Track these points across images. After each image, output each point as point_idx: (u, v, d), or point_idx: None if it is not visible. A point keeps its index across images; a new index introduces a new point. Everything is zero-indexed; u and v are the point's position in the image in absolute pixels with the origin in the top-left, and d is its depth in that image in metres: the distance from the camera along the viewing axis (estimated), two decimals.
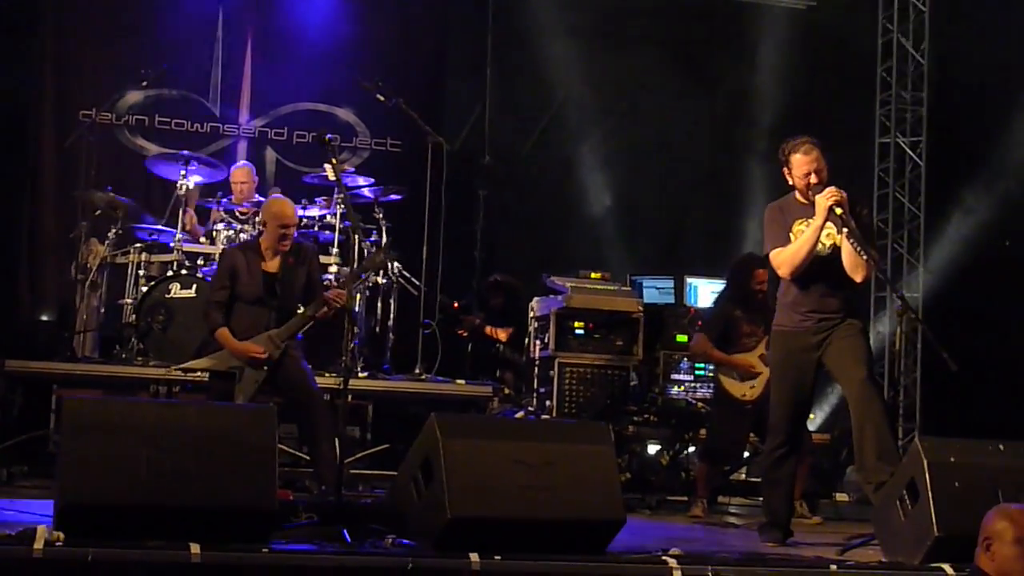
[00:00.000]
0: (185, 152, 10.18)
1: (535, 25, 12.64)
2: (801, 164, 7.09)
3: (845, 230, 6.93)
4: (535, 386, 9.87)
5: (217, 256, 8.24)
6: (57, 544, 5.32)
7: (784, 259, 7.10)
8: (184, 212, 9.99)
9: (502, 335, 10.87)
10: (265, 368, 7.82)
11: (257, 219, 8.98)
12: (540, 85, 12.83)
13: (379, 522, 6.27)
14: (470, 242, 11.79)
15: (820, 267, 7.07)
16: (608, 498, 6.21)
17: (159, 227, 10.02)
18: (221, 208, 10.06)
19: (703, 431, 9.62)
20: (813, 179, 7.05)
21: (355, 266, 8.79)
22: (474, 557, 5.65)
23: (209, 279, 8.94)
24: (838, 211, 6.90)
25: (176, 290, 9.47)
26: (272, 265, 8.01)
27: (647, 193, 12.86)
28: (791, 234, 7.12)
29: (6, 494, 7.94)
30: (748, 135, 12.99)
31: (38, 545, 5.28)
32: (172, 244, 9.78)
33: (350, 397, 9.02)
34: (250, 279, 7.94)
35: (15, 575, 5.28)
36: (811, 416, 9.95)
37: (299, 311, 7.97)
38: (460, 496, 5.82)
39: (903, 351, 12.04)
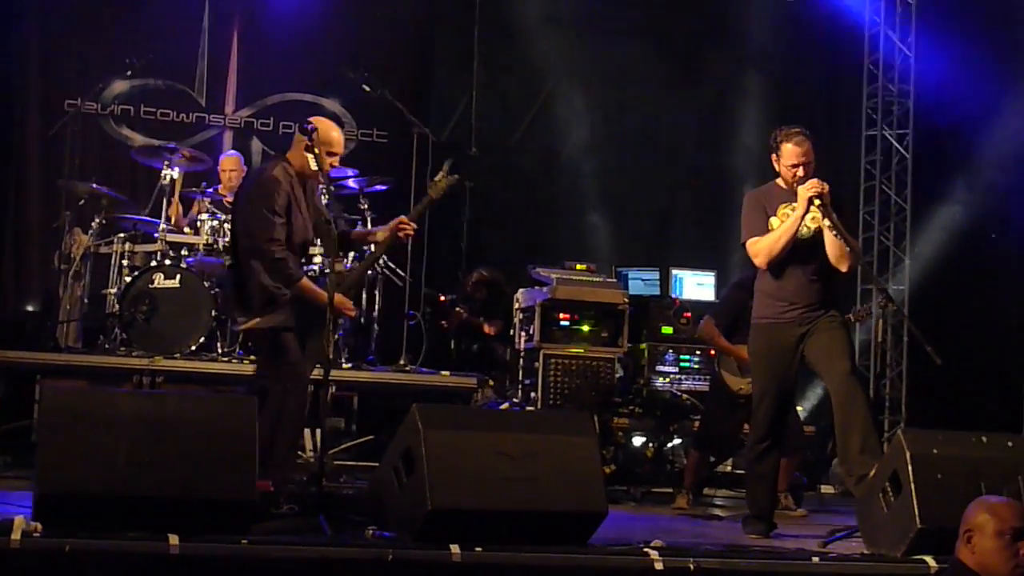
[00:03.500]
0: (171, 144, 10.14)
1: (523, 16, 12.60)
2: (791, 155, 7.08)
3: (826, 222, 6.92)
4: (520, 378, 9.85)
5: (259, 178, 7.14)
6: (35, 535, 5.30)
7: (761, 248, 7.09)
8: (169, 202, 9.95)
9: (488, 329, 10.86)
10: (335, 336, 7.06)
11: None
12: (527, 76, 12.81)
13: (360, 513, 6.26)
14: (456, 234, 11.76)
15: (803, 253, 7.06)
16: (591, 490, 6.20)
17: (143, 217, 9.98)
18: (206, 198, 10.02)
19: (688, 423, 9.61)
20: (800, 172, 7.04)
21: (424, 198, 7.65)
22: (455, 549, 5.65)
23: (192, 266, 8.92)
24: (816, 203, 6.89)
25: (160, 280, 9.43)
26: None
27: (633, 185, 12.84)
28: (776, 217, 7.11)
29: None
30: (735, 127, 12.96)
31: (15, 536, 5.26)
32: (156, 234, 9.74)
33: (334, 388, 9.04)
34: (302, 217, 7.03)
35: None
36: (799, 408, 9.94)
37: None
38: (441, 487, 5.81)
39: (889, 344, 12.04)
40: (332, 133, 7.19)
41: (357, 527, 6.07)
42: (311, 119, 7.15)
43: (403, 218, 7.29)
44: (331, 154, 7.13)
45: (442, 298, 11.13)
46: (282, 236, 6.86)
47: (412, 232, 7.32)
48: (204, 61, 12.04)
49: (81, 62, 11.73)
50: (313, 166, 6.93)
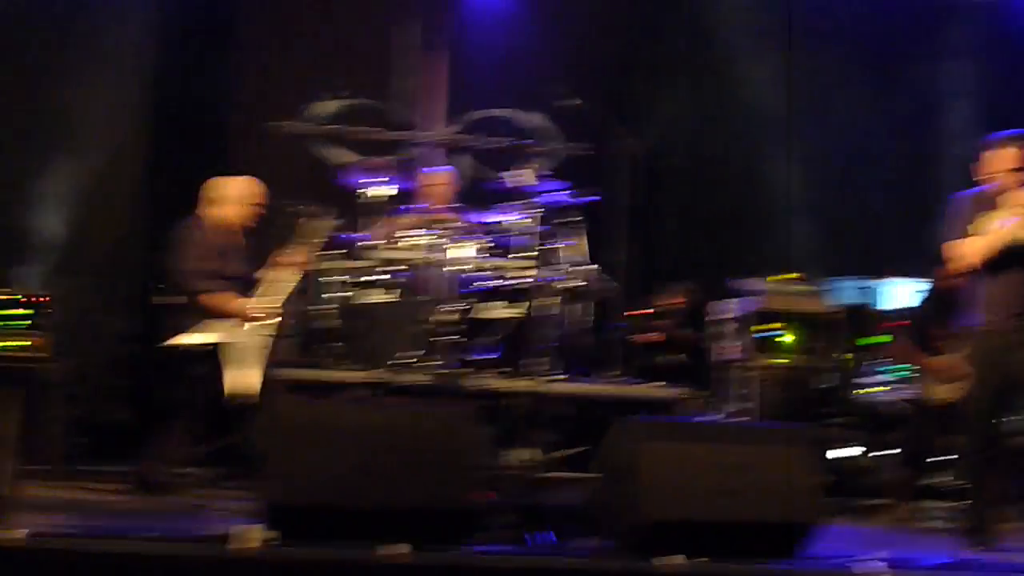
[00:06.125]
0: (378, 160, 10.32)
1: (724, 25, 12.56)
2: (1005, 159, 6.95)
3: None
4: (728, 389, 9.82)
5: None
6: (270, 543, 5.51)
7: (971, 253, 6.96)
8: (378, 219, 10.14)
9: (696, 341, 10.85)
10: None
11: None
12: (730, 86, 12.74)
13: (578, 524, 6.34)
14: (660, 245, 11.76)
15: (1021, 259, 6.92)
16: (806, 501, 6.18)
17: (356, 234, 10.20)
18: (415, 214, 10.19)
19: (902, 434, 9.46)
20: (1013, 178, 6.91)
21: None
22: (673, 559, 5.68)
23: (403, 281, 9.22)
24: None
25: (375, 295, 9.64)
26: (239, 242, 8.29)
27: (840, 193, 12.66)
28: (986, 222, 6.97)
29: (213, 495, 8.22)
30: (942, 131, 12.71)
31: (252, 544, 5.47)
32: (370, 250, 9.94)
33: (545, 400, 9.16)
34: (236, 258, 8.13)
35: (230, 573, 5.48)
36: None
37: None
38: (658, 499, 5.86)
39: None
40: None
41: (575, 537, 6.15)
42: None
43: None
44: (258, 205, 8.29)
45: (650, 310, 11.14)
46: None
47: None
48: (411, 79, 12.24)
49: (290, 83, 12.03)
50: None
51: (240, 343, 7.83)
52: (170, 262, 7.97)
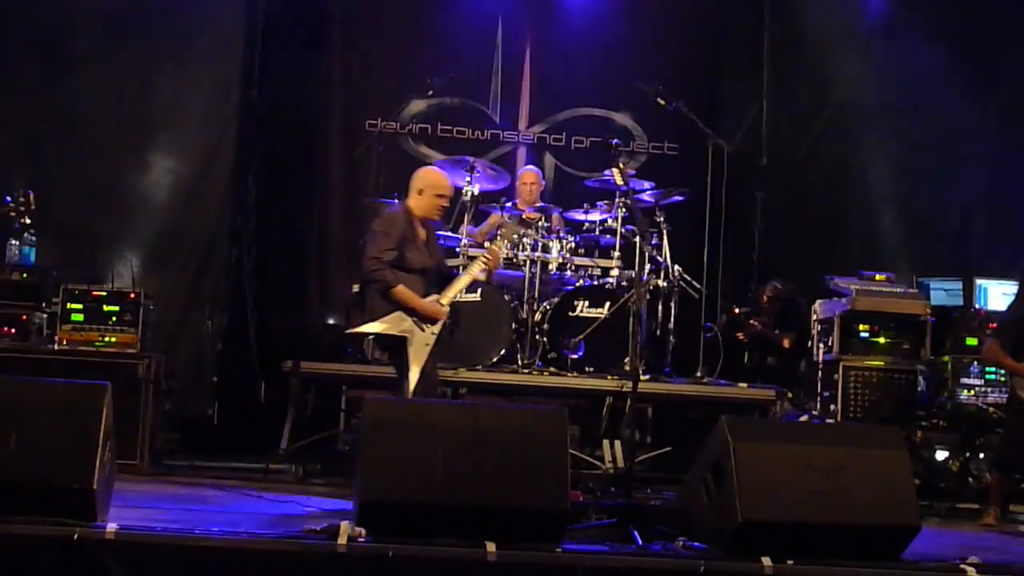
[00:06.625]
0: (468, 158, 10.36)
1: (812, 23, 12.44)
2: None
3: None
4: (819, 390, 9.74)
5: (383, 218, 8.00)
6: (360, 540, 5.53)
7: None
8: (469, 217, 10.15)
9: (785, 341, 10.77)
10: (434, 333, 7.70)
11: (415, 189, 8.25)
12: (818, 84, 12.60)
13: (668, 524, 6.30)
14: (748, 244, 11.68)
15: None
16: (902, 504, 6.12)
17: (444, 233, 10.21)
18: (505, 213, 10.19)
19: (994, 437, 9.32)
20: None
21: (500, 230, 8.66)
22: (766, 561, 5.67)
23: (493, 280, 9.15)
24: None
25: (463, 294, 9.63)
26: (423, 234, 7.96)
27: (931, 192, 12.47)
28: None
29: (302, 491, 8.28)
30: None
31: (342, 540, 5.50)
32: (458, 249, 9.96)
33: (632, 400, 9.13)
34: (416, 247, 7.84)
35: (320, 568, 5.52)
36: None
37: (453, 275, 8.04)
38: (751, 499, 5.82)
39: None
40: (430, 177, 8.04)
41: (666, 538, 6.12)
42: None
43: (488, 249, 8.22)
44: (440, 195, 7.96)
45: (737, 310, 11.08)
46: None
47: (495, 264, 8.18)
48: (498, 78, 12.26)
49: (381, 83, 12.10)
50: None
51: (419, 337, 7.69)
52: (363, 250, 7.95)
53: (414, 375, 7.53)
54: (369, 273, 7.68)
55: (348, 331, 8.47)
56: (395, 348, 7.69)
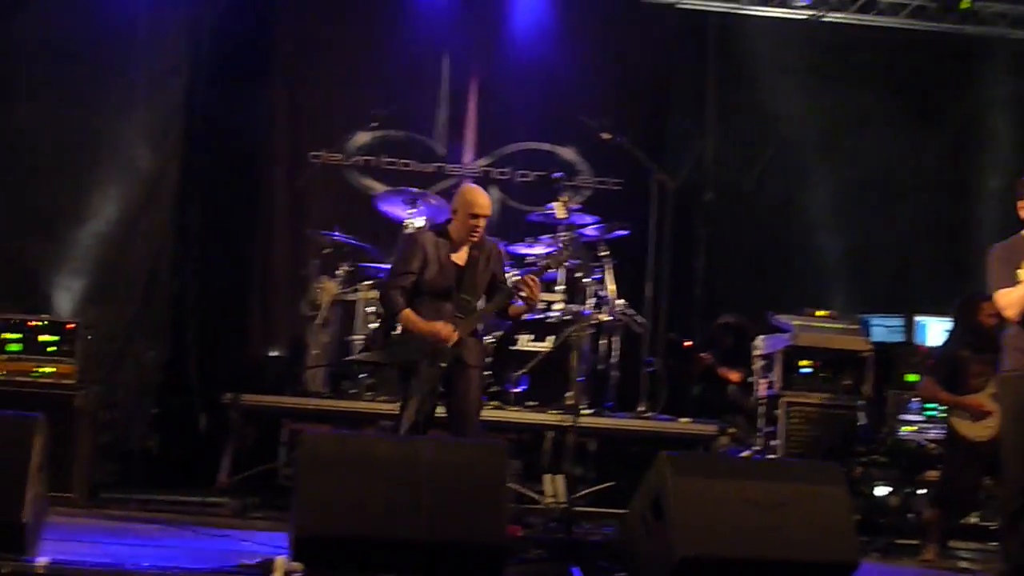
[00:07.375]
0: (412, 190, 10.33)
1: (756, 62, 12.52)
2: None
3: None
4: (760, 425, 9.76)
5: (402, 236, 7.93)
6: (295, 575, 5.47)
7: (1014, 299, 6.89)
8: None
9: (734, 376, 10.80)
10: (443, 365, 7.26)
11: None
12: (762, 122, 12.68)
13: (609, 559, 6.28)
14: (692, 279, 11.72)
15: None
16: (842, 540, 6.14)
17: (387, 265, 10.16)
18: None
19: (934, 473, 9.38)
20: None
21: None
22: None
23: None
24: None
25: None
26: (460, 257, 7.52)
27: (873, 231, 12.57)
28: (1020, 270, 6.91)
29: (241, 525, 8.20)
30: (977, 171, 12.64)
31: (277, 575, 5.44)
32: None
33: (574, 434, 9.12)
34: (440, 269, 7.43)
35: None
36: None
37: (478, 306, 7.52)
38: (690, 535, 5.81)
39: None
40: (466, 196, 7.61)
41: (607, 574, 6.10)
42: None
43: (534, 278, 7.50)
44: (474, 216, 7.47)
45: (686, 344, 11.10)
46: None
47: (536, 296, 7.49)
48: (443, 112, 12.24)
49: (325, 114, 12.04)
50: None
51: (426, 373, 7.26)
52: None
53: (412, 406, 7.15)
54: (380, 298, 7.70)
55: (350, 359, 8.76)
56: (402, 375, 7.41)
